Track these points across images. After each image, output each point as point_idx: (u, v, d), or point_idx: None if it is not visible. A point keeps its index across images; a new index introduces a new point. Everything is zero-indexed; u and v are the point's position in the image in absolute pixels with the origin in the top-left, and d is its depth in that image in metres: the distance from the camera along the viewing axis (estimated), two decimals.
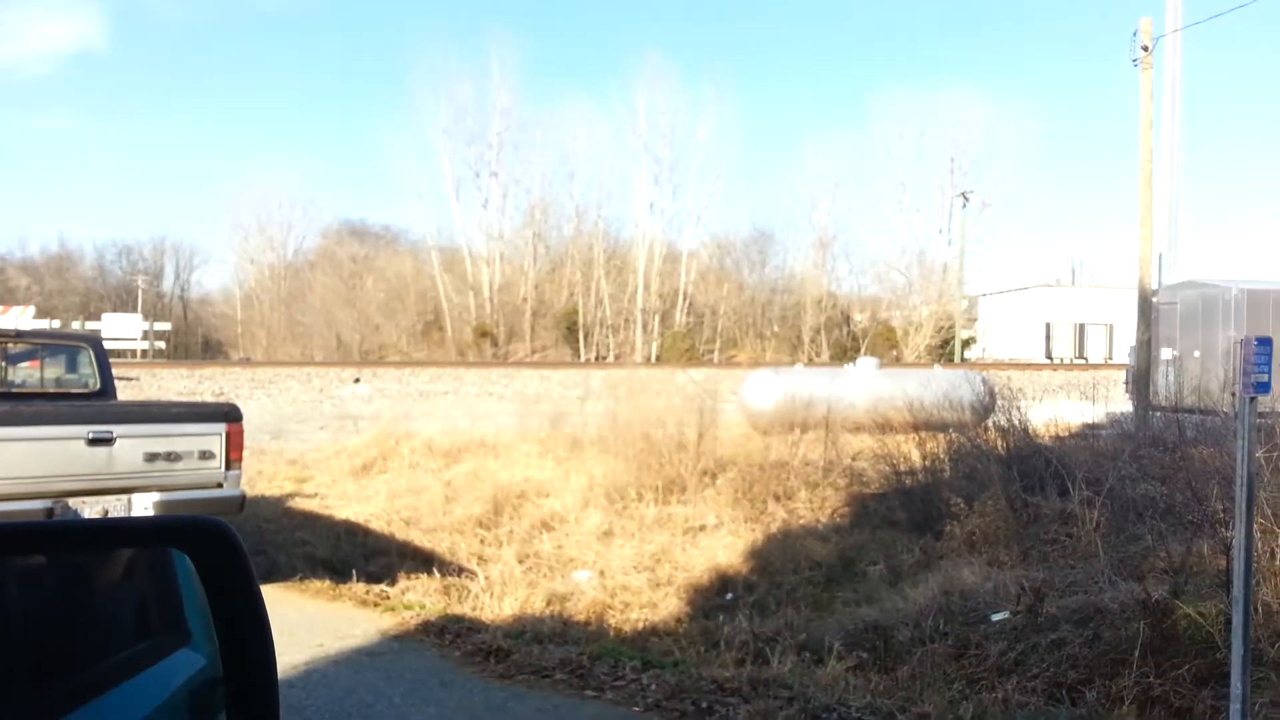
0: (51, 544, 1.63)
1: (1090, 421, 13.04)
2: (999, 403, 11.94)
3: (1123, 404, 15.70)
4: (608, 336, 47.43)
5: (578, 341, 46.79)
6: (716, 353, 46.16)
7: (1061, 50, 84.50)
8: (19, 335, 9.34)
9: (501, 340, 46.70)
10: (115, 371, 9.72)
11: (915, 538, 8.83)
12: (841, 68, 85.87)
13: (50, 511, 6.27)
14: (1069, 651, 5.39)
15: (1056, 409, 12.71)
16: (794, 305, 48.74)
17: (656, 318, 47.94)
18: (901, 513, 9.72)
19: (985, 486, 9.03)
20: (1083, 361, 40.77)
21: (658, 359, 40.70)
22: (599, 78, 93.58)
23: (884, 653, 5.95)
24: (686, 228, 50.43)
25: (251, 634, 1.48)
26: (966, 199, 48.21)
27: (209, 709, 1.68)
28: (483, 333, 46.40)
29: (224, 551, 1.51)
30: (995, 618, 6.26)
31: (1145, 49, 16.08)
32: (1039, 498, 8.67)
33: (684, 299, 48.58)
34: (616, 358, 42.17)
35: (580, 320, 46.93)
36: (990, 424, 11.29)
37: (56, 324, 36.61)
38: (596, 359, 43.08)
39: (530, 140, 49.78)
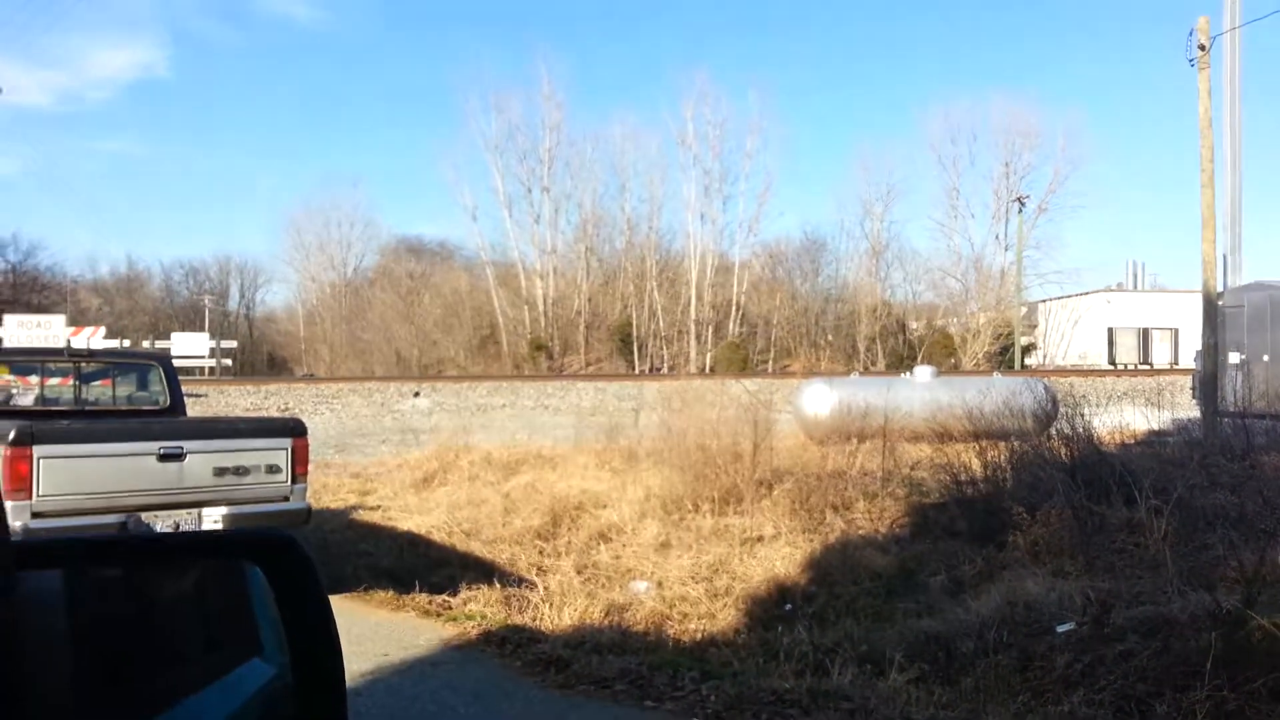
0: (127, 557, 1.69)
1: (1156, 428, 12.76)
2: (1061, 410, 11.73)
3: (1189, 410, 15.32)
4: (662, 348, 47.50)
5: (632, 353, 46.91)
6: (770, 363, 45.94)
7: (1116, 51, 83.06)
8: (91, 355, 9.67)
9: (556, 353, 47.03)
10: (184, 389, 10.01)
11: (977, 548, 8.70)
12: (890, 75, 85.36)
13: (124, 525, 6.49)
14: (1137, 664, 5.27)
15: (1121, 416, 12.45)
16: (848, 314, 48.34)
17: (710, 328, 47.90)
18: (962, 523, 9.59)
19: (1049, 495, 8.87)
20: (1147, 367, 39.75)
21: (711, 370, 40.64)
22: (646, 92, 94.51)
23: (946, 664, 5.88)
24: (738, 238, 50.42)
25: (322, 646, 1.53)
26: (1022, 204, 47.37)
27: (280, 719, 1.72)
28: (538, 346, 46.77)
29: (294, 564, 1.56)
30: (1061, 629, 6.14)
31: (1202, 48, 15.74)
32: (1104, 506, 8.50)
33: (737, 309, 48.46)
34: (670, 369, 42.21)
35: (634, 332, 47.06)
36: (1053, 432, 11.08)
37: (127, 343, 37.77)
38: (651, 370, 43.17)
39: (580, 155, 50.29)
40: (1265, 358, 17.20)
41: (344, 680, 1.52)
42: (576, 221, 50.35)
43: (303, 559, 1.56)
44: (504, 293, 49.26)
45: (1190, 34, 15.90)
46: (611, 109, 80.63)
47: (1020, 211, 47.43)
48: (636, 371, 42.50)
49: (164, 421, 8.18)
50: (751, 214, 49.90)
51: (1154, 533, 7.51)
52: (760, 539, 9.60)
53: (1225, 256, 19.20)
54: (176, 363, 11.43)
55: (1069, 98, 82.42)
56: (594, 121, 74.62)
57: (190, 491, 6.88)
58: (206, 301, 67.48)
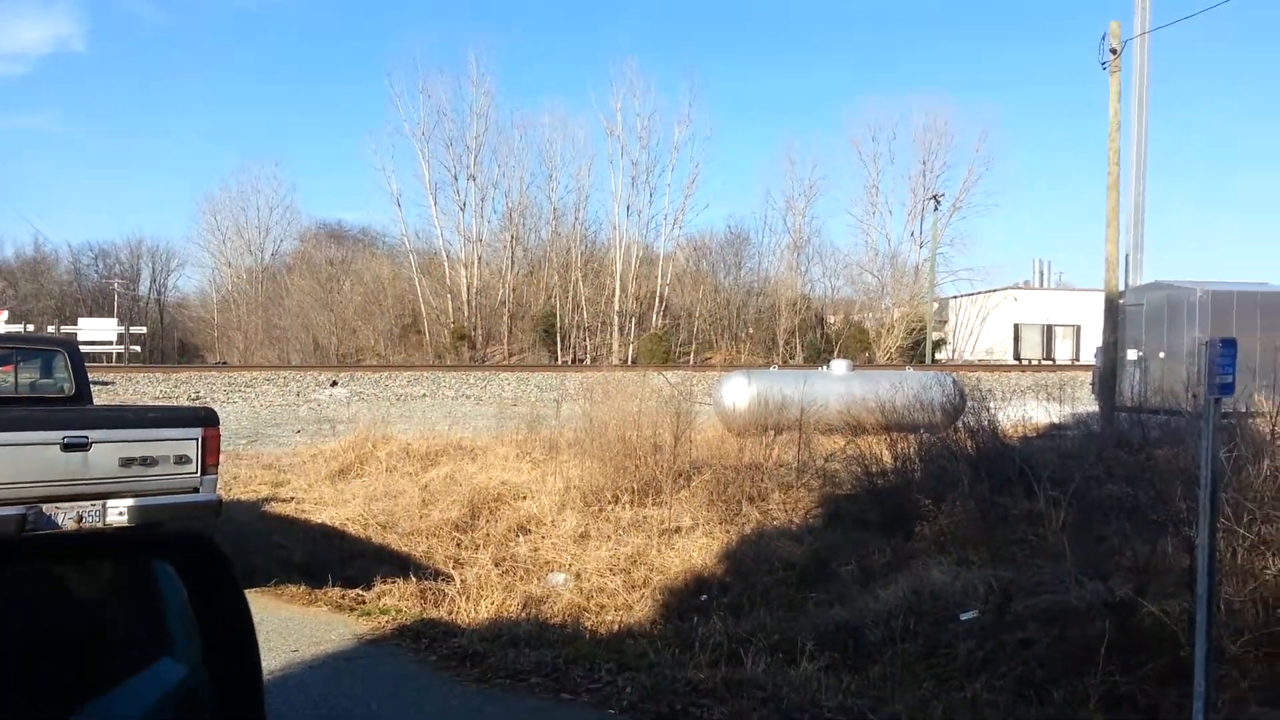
0: (35, 556, 1.65)
1: (1057, 422, 13.25)
2: (969, 404, 12.10)
3: (1089, 405, 15.93)
4: (585, 339, 47.47)
5: (555, 344, 46.78)
6: (692, 355, 46.29)
7: (1032, 54, 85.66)
8: None
9: (479, 343, 46.62)
10: (91, 376, 9.66)
11: (886, 538, 8.93)
12: (817, 69, 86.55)
13: (24, 517, 6.25)
14: (1036, 650, 5.50)
15: (1025, 410, 12.89)
16: (769, 308, 48.98)
17: (633, 320, 48.03)
18: (873, 513, 9.83)
19: (954, 487, 9.15)
20: (1050, 363, 41.26)
21: (634, 361, 40.77)
22: (576, 81, 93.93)
23: (855, 653, 6.05)
24: (663, 230, 50.69)
25: (239, 645, 1.50)
26: (938, 202, 48.66)
27: (191, 718, 1.70)
28: (460, 336, 46.29)
29: (211, 564, 1.54)
30: (964, 617, 6.36)
31: (1114, 52, 16.33)
32: (1007, 498, 8.80)
33: (660, 302, 48.70)
34: (594, 360, 42.20)
35: (558, 323, 46.94)
36: (960, 425, 11.43)
37: (31, 328, 36.21)
38: (574, 361, 43.11)
39: (508, 143, 49.94)
40: (1161, 355, 17.97)
41: (261, 679, 1.50)
42: (503, 210, 50.08)
43: (219, 558, 1.54)
44: (427, 281, 48.64)
45: (1103, 38, 16.48)
46: (541, 97, 80.00)
47: (935, 209, 48.74)
48: (560, 362, 42.40)
49: (68, 410, 7.90)
50: (677, 206, 50.28)
51: (1053, 523, 7.80)
52: (678, 530, 9.70)
53: (1128, 256, 19.96)
54: (83, 349, 11.01)
55: (985, 96, 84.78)
56: (523, 109, 74.03)
57: (95, 482, 6.66)
58: (116, 286, 65.00)
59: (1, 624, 1.50)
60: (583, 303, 47.60)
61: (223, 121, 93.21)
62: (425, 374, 26.51)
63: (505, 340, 47.26)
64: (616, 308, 47.68)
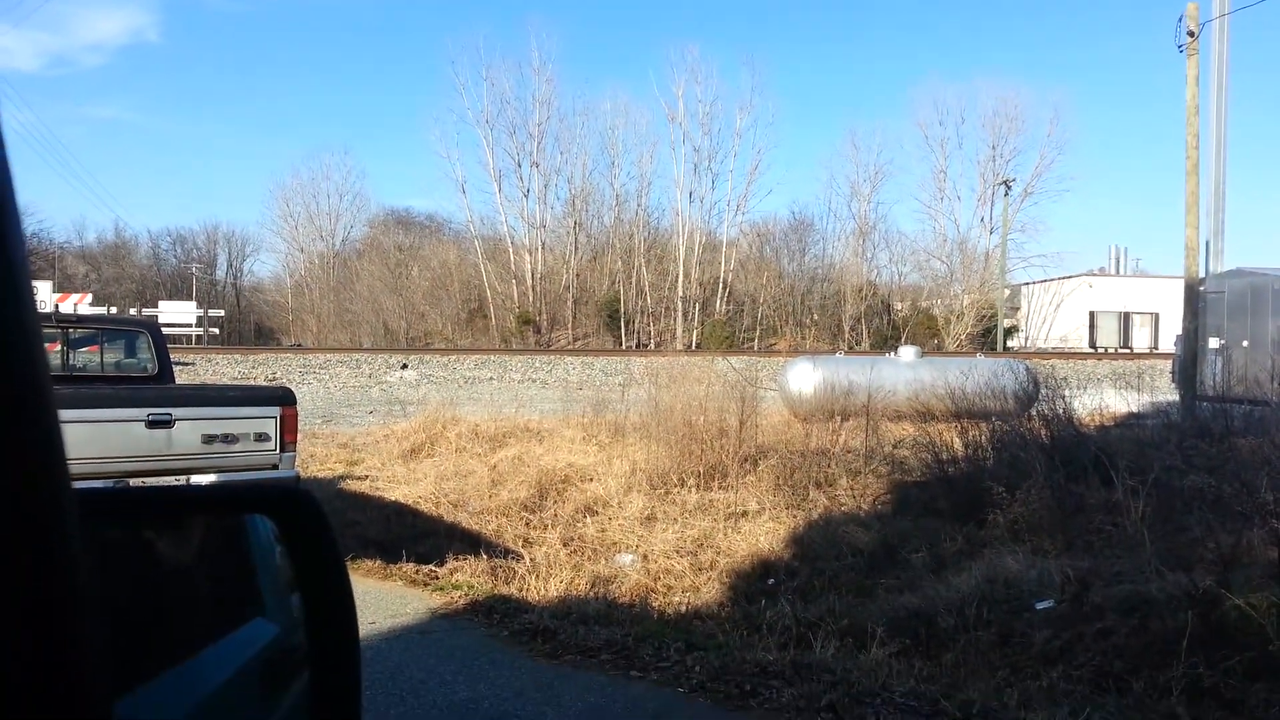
0: (133, 510, 1.68)
1: (1135, 411, 12.88)
2: (1042, 391, 11.84)
3: (1168, 394, 15.47)
4: (649, 324, 47.53)
5: (619, 329, 46.92)
6: (756, 341, 46.05)
7: (1105, 35, 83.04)
8: (79, 321, 9.61)
9: (544, 327, 46.98)
10: (174, 357, 9.96)
11: (958, 526, 8.81)
12: (883, 54, 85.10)
13: None
14: (1115, 641, 5.38)
15: (1101, 398, 12.58)
16: (834, 294, 48.45)
17: (697, 306, 47.94)
18: (944, 501, 9.70)
19: (1028, 475, 8.97)
20: (1127, 351, 40.09)
21: (698, 347, 40.69)
22: (638, 66, 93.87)
23: (927, 639, 5.98)
24: (726, 217, 50.43)
25: (335, 601, 1.52)
26: (1008, 187, 47.49)
27: (282, 678, 1.69)
28: (526, 320, 46.71)
29: (309, 518, 1.56)
30: (1040, 606, 6.25)
31: (1191, 35, 15.79)
32: (1083, 487, 8.61)
33: (724, 287, 48.50)
34: (657, 345, 42.24)
35: (621, 308, 47.06)
36: (1034, 413, 11.20)
37: (114, 310, 37.50)
38: (638, 346, 43.21)
39: (571, 130, 50.11)
40: (1244, 343, 17.37)
41: (358, 637, 1.51)
42: (566, 197, 50.29)
43: (317, 514, 1.54)
44: (492, 267, 49.12)
45: (1179, 20, 15.95)
46: (603, 83, 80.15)
47: (1006, 195, 47.61)
48: (623, 347, 42.54)
49: (152, 388, 8.16)
50: (740, 193, 49.97)
51: (1132, 513, 7.61)
52: (745, 514, 9.69)
53: (1208, 242, 19.35)
54: (163, 331, 11.37)
55: (1056, 81, 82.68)
56: (585, 94, 74.23)
57: (178, 458, 6.87)
58: (194, 270, 67.07)
59: (92, 581, 1.53)
60: (646, 288, 47.65)
61: (293, 109, 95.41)
62: (492, 357, 26.83)
63: (570, 325, 47.55)
64: (680, 293, 47.63)
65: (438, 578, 7.00)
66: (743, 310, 48.54)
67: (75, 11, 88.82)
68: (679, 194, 49.54)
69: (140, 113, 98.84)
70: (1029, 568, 6.97)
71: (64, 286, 38.23)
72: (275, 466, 7.36)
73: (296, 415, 7.62)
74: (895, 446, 11.92)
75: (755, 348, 42.02)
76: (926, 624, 6.23)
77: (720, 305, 48.33)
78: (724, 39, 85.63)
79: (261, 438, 7.30)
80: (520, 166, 49.27)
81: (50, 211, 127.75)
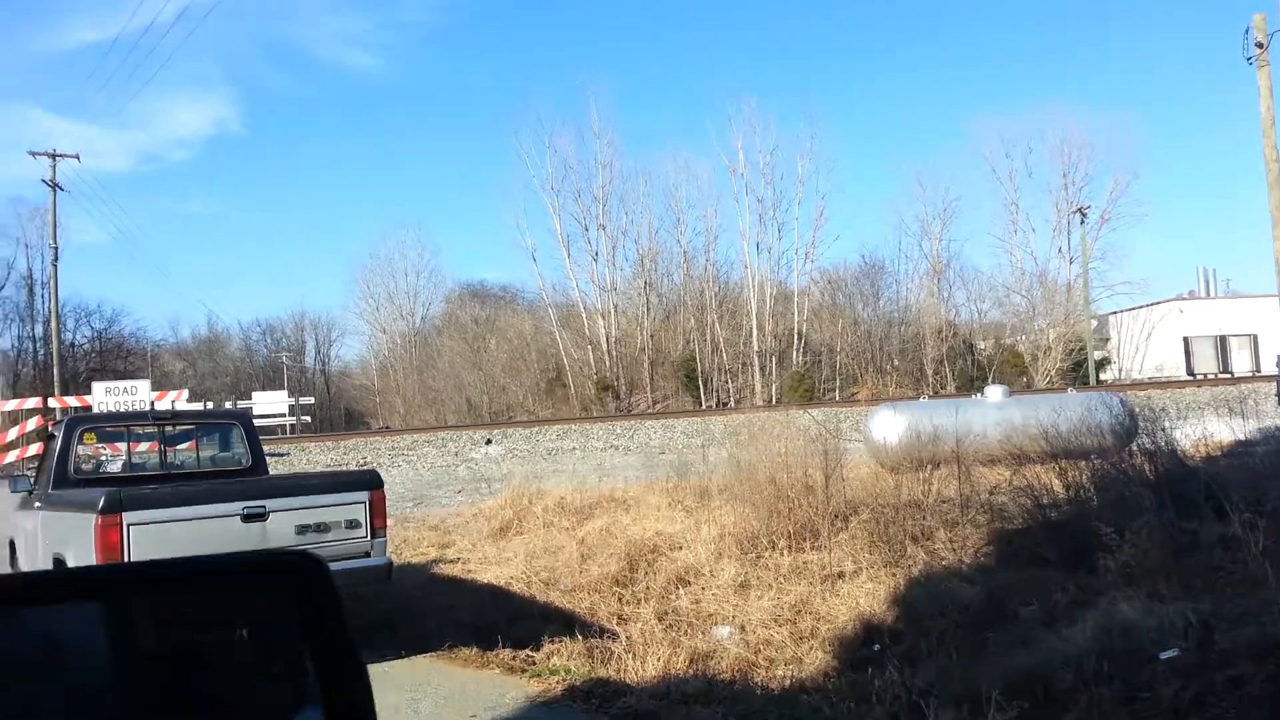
0: (123, 586, 1.60)
1: (1242, 438, 12.26)
2: (1141, 424, 11.38)
3: (1276, 418, 14.71)
4: (727, 381, 47.34)
5: (698, 388, 46.83)
6: (836, 391, 45.43)
7: (1169, 53, 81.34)
8: (175, 418, 9.95)
9: (623, 392, 47.15)
10: (266, 447, 10.21)
11: (1067, 574, 8.43)
12: (939, 90, 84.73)
13: None
14: (1249, 690, 5.06)
15: (1204, 427, 12.01)
16: (913, 337, 47.64)
17: (773, 359, 47.61)
18: (1049, 548, 9.30)
19: (1136, 514, 8.58)
20: (1227, 376, 38.37)
21: (777, 401, 40.33)
22: (696, 123, 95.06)
23: (1046, 700, 5.70)
24: (795, 266, 50.25)
25: (348, 668, 1.48)
26: (1084, 215, 46.35)
27: None
28: (604, 386, 46.96)
29: (317, 587, 1.52)
30: (1164, 656, 5.92)
31: (1260, 45, 15.39)
32: (1196, 523, 8.20)
33: (799, 338, 48.13)
34: (737, 402, 42.00)
35: (698, 367, 47.02)
36: (1134, 448, 10.75)
37: (210, 405, 38.87)
38: (717, 405, 43.01)
39: (634, 190, 50.83)
40: None
41: (373, 705, 1.45)
42: (634, 257, 50.82)
43: (324, 580, 1.50)
44: (567, 334, 49.66)
45: (1246, 31, 15.57)
46: (663, 142, 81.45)
47: (1082, 223, 46.49)
48: (703, 406, 42.39)
49: (246, 481, 8.35)
50: (807, 240, 49.78)
51: (1251, 547, 7.20)
52: (841, 575, 9.45)
53: None
54: (258, 421, 11.73)
55: (1122, 103, 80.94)
56: (645, 154, 75.43)
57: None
58: (284, 359, 69.41)
59: (99, 663, 1.46)
60: (721, 344, 47.56)
61: (367, 189, 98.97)
62: (573, 426, 26.97)
63: (648, 388, 47.64)
64: (755, 347, 47.41)
65: (534, 663, 6.95)
66: (820, 360, 48.03)
67: (162, 107, 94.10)
68: (746, 246, 49.68)
69: (225, 204, 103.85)
70: (1147, 614, 6.61)
71: (161, 384, 39.77)
72: (368, 554, 7.43)
73: (385, 499, 7.71)
74: (991, 493, 11.52)
75: (835, 398, 41.45)
76: (1044, 683, 5.94)
77: (796, 357, 47.92)
78: (779, 89, 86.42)
79: (353, 525, 7.38)
80: (587, 230, 50.08)
81: (145, 310, 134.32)
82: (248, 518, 6.93)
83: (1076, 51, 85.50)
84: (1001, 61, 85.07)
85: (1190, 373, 42.47)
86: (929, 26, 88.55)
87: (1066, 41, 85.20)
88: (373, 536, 7.47)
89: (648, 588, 9.41)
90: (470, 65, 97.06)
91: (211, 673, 1.59)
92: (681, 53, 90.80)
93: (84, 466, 8.78)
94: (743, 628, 8.18)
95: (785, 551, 10.12)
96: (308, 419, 45.69)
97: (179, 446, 9.74)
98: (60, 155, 37.31)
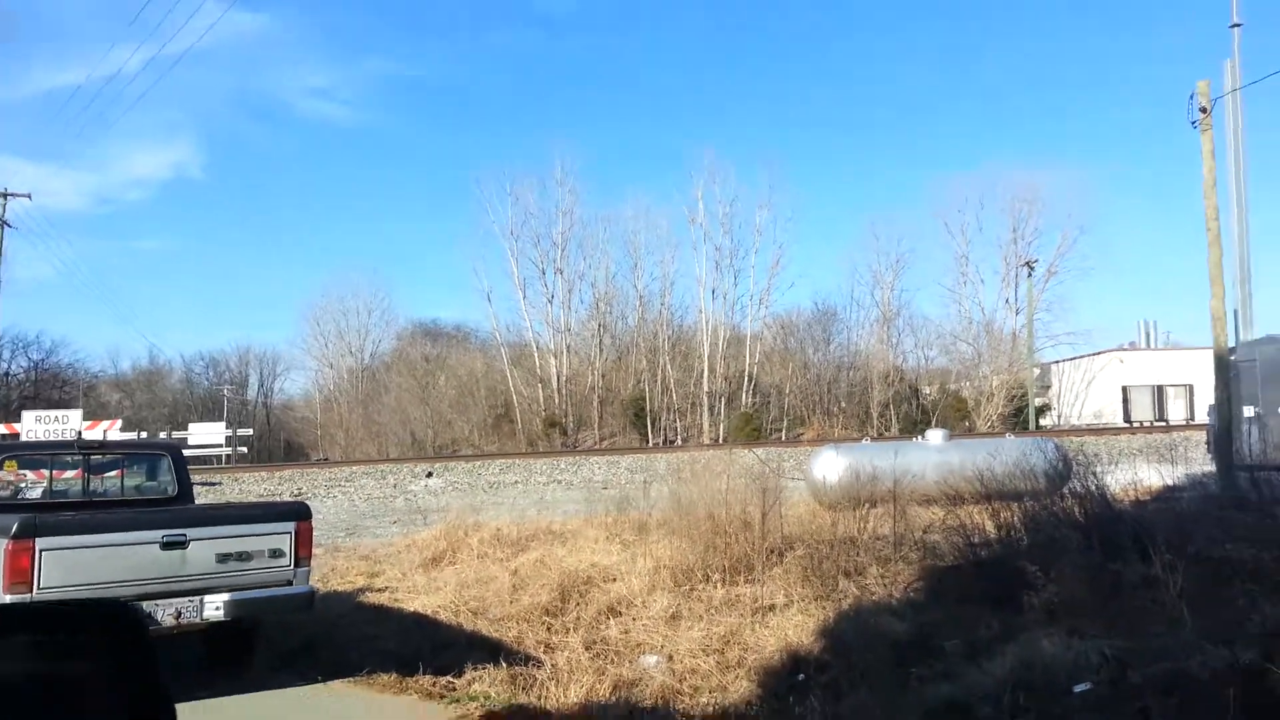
0: None
1: (1171, 484, 12.56)
2: (1074, 469, 11.59)
3: (1205, 465, 15.09)
4: (675, 420, 47.46)
5: (646, 427, 46.86)
6: (784, 431, 45.73)
7: (1118, 114, 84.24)
8: (100, 446, 9.72)
9: (570, 429, 47.00)
10: (200, 477, 10.01)
11: (993, 610, 8.51)
12: (895, 147, 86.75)
13: None
14: None
15: (1135, 473, 12.29)
16: (860, 381, 48.26)
17: (723, 400, 47.87)
18: (978, 585, 9.39)
19: (1063, 554, 8.72)
20: (1163, 424, 39.34)
21: (725, 440, 40.45)
22: (657, 171, 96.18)
23: None
24: (749, 311, 50.80)
25: (160, 711, 1.46)
26: (1031, 268, 47.62)
27: None
28: (551, 423, 46.78)
29: (130, 634, 1.51)
30: (1078, 689, 5.99)
31: (1204, 110, 15.98)
32: (1120, 564, 8.33)
33: (749, 380, 48.49)
34: (685, 441, 42.08)
35: (648, 406, 47.12)
36: (1066, 491, 10.94)
37: (144, 435, 37.96)
38: (665, 443, 43.04)
39: (593, 236, 51.32)
40: None
41: None
42: (590, 300, 51.08)
43: (136, 624, 1.50)
44: (518, 372, 49.55)
45: (1191, 97, 16.16)
46: (624, 189, 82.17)
47: (1029, 276, 47.68)
48: (651, 444, 42.37)
49: (167, 509, 8.18)
50: (763, 287, 50.43)
51: (1171, 588, 7.34)
52: (772, 608, 9.43)
53: (1236, 312, 19.13)
54: (193, 451, 11.52)
55: (1073, 161, 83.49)
56: (607, 202, 76.00)
57: (193, 579, 6.84)
58: (226, 391, 68.27)
59: None
60: (671, 385, 47.74)
61: (324, 232, 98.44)
62: (517, 461, 26.77)
63: (596, 425, 47.55)
64: (706, 388, 47.66)
65: (455, 689, 6.82)
66: (769, 402, 48.40)
67: (124, 152, 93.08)
68: (702, 292, 50.16)
69: (180, 243, 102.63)
70: (1066, 649, 6.70)
71: (96, 414, 38.90)
72: (290, 582, 7.31)
73: (311, 529, 7.59)
74: (925, 531, 11.62)
75: (783, 438, 41.72)
76: (962, 714, 5.97)
77: (746, 398, 48.23)
78: (739, 139, 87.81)
79: (276, 554, 7.26)
80: (545, 274, 50.32)
81: (88, 343, 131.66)
82: (167, 545, 6.79)
83: (1032, 109, 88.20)
84: (956, 119, 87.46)
85: (1127, 420, 43.46)
86: (889, 80, 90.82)
87: (1022, 99, 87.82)
88: (296, 565, 7.37)
89: (578, 617, 9.31)
90: (434, 116, 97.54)
91: (25, 716, 1.55)
92: (645, 103, 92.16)
93: (2, 493, 8.56)
94: (670, 657, 8.11)
95: (719, 585, 10.09)
96: (244, 450, 44.78)
97: (104, 475, 9.52)
98: (10, 194, 37.23)
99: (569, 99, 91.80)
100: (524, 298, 50.30)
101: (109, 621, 1.55)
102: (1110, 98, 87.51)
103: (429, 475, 24.50)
